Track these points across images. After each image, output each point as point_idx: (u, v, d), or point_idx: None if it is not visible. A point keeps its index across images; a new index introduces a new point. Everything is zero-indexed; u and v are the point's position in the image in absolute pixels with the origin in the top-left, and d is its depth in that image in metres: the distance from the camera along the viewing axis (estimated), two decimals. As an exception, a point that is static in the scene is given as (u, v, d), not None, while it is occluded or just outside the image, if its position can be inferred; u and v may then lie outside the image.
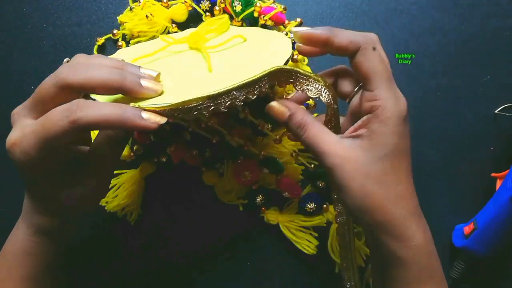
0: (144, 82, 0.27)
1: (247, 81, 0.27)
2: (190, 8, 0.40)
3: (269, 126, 0.38)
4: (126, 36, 0.40)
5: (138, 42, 0.40)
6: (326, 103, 0.30)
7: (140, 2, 0.39)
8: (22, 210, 0.31)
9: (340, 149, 0.28)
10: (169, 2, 0.39)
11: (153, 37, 0.40)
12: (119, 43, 0.40)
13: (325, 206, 0.40)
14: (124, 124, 0.25)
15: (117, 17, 0.39)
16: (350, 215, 0.35)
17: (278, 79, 0.29)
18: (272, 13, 0.38)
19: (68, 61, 0.30)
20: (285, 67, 0.29)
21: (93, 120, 0.25)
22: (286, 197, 0.40)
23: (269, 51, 0.33)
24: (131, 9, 0.39)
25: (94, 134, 0.37)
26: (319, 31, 0.29)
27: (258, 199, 0.41)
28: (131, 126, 0.26)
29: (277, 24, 0.39)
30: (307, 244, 0.40)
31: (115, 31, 0.40)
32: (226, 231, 0.42)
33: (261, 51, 0.33)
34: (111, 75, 0.26)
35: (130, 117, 0.26)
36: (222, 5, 0.39)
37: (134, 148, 0.40)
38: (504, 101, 0.41)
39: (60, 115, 0.25)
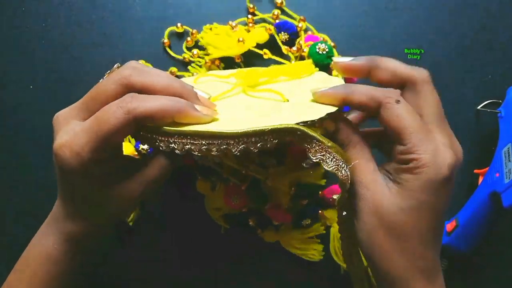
0: (200, 96, 0.28)
1: (247, 130, 0.25)
2: (270, 32, 0.40)
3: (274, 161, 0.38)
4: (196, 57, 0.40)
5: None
6: (342, 181, 0.26)
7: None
8: (49, 218, 0.30)
9: (372, 181, 0.26)
10: (250, 27, 0.40)
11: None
12: (171, 70, 0.40)
13: (320, 212, 0.40)
14: (178, 114, 0.25)
15: (200, 37, 0.40)
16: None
17: (286, 138, 0.26)
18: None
19: (118, 66, 0.29)
20: (296, 126, 0.25)
21: (149, 110, 0.25)
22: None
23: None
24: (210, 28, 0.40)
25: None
26: (362, 63, 0.29)
27: (250, 222, 0.40)
28: (185, 117, 0.25)
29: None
30: (312, 253, 0.40)
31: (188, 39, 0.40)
32: (225, 240, 0.42)
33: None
34: (173, 83, 0.26)
35: (185, 108, 0.25)
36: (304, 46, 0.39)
37: (140, 147, 0.40)
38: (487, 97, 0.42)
39: (115, 107, 0.25)
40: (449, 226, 0.41)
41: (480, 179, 0.41)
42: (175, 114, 0.25)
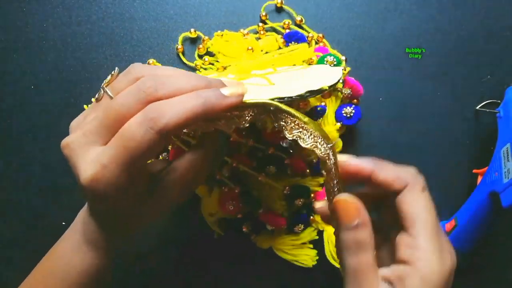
0: (225, 91, 0.24)
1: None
2: (280, 43, 0.40)
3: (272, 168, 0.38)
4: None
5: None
6: (322, 159, 0.25)
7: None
8: (76, 226, 0.30)
9: None
10: (260, 35, 0.40)
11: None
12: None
13: (312, 218, 0.40)
14: (212, 112, 0.23)
15: (210, 42, 0.40)
16: None
17: (262, 116, 0.25)
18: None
19: (118, 71, 0.26)
20: (268, 102, 0.24)
21: (180, 120, 0.22)
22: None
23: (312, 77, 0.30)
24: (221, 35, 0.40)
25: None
26: (364, 164, 0.26)
27: (244, 228, 0.39)
28: (219, 110, 0.23)
29: (354, 95, 0.39)
30: (304, 259, 0.40)
31: (201, 47, 0.40)
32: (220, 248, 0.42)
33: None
34: (199, 81, 0.24)
35: (215, 102, 0.23)
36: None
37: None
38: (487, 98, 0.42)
39: (143, 128, 0.22)
40: (448, 226, 0.41)
41: (479, 179, 0.41)
42: (208, 114, 0.23)
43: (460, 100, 0.42)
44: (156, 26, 0.41)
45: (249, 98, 0.24)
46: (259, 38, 0.40)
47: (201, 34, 0.41)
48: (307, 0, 0.41)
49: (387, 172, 0.26)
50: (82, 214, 0.30)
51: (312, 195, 0.40)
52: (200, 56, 0.41)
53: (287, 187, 0.39)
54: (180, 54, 0.41)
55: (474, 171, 0.41)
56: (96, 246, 0.28)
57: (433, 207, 0.25)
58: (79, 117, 0.27)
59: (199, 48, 0.40)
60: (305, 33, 0.40)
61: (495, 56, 0.42)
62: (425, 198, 0.25)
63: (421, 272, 0.23)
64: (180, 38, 0.41)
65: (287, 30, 0.41)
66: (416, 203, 0.25)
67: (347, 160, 0.26)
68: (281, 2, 0.41)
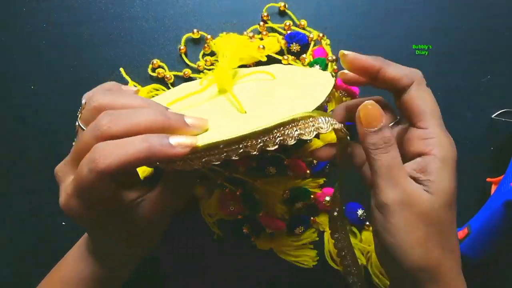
0: (189, 120, 0.25)
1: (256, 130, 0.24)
2: (281, 44, 0.40)
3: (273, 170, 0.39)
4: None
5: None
6: (340, 136, 0.28)
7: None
8: (82, 238, 0.33)
9: (410, 189, 0.26)
10: (263, 35, 0.40)
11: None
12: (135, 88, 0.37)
13: (312, 219, 0.41)
14: (154, 158, 0.23)
15: (212, 42, 0.40)
16: (389, 259, 0.29)
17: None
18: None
19: (84, 102, 0.28)
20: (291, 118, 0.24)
21: (121, 163, 0.23)
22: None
23: (303, 90, 0.30)
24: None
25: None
26: (373, 60, 0.29)
27: (244, 230, 0.40)
28: (162, 158, 0.23)
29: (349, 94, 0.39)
30: (304, 259, 0.40)
31: (205, 58, 0.40)
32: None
33: (294, 89, 0.30)
34: (156, 116, 0.24)
35: (160, 150, 0.23)
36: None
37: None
38: (502, 103, 0.41)
39: (86, 168, 0.23)
40: (461, 234, 0.40)
41: (493, 188, 0.40)
42: (150, 160, 0.23)
43: (475, 109, 0.42)
44: (156, 26, 0.40)
45: (206, 140, 0.24)
46: (262, 39, 0.40)
47: (204, 34, 0.40)
48: (309, 1, 0.41)
49: (395, 69, 0.28)
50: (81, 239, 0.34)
51: (312, 196, 0.40)
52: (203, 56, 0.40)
53: (286, 191, 0.39)
54: (183, 55, 0.40)
55: (488, 179, 0.41)
56: (95, 256, 0.31)
57: (435, 100, 0.28)
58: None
59: (204, 48, 0.40)
60: (307, 33, 0.40)
61: (495, 56, 0.41)
62: (430, 93, 0.28)
63: (439, 155, 0.26)
64: (183, 39, 0.40)
65: (288, 31, 0.40)
66: (424, 97, 0.28)
67: (356, 55, 0.29)
68: (284, 5, 0.40)
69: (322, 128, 0.26)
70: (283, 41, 0.40)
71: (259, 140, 0.24)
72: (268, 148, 0.24)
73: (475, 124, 0.42)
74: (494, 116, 0.41)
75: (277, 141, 0.24)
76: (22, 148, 0.41)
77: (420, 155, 0.27)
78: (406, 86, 0.28)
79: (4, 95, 0.41)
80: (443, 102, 0.40)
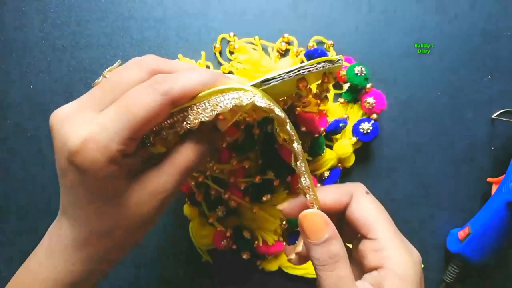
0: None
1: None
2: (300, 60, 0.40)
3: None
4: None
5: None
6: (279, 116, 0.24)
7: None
8: (54, 245, 0.25)
9: None
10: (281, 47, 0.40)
11: None
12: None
13: None
14: (211, 86, 0.23)
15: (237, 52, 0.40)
16: None
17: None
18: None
19: (121, 63, 0.25)
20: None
21: (187, 86, 0.22)
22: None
23: None
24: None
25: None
26: (299, 204, 0.27)
27: (245, 256, 0.38)
28: (217, 84, 0.23)
29: (377, 106, 0.38)
30: (313, 270, 0.39)
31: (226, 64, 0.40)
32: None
33: None
34: (208, 74, 0.23)
35: (220, 76, 0.23)
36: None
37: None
38: (502, 103, 0.41)
39: (148, 90, 0.21)
40: (462, 234, 0.40)
41: (494, 188, 0.40)
42: (211, 85, 0.22)
43: (474, 109, 0.41)
44: (156, 26, 0.40)
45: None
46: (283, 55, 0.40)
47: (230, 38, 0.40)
48: (309, 2, 0.40)
49: (332, 193, 0.26)
50: (50, 229, 0.26)
51: (289, 177, 0.38)
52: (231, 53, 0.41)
53: (284, 222, 0.38)
54: (217, 54, 0.40)
55: (488, 180, 0.41)
56: (66, 253, 0.24)
57: (381, 207, 0.26)
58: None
59: (230, 45, 0.40)
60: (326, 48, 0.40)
61: (495, 56, 0.41)
62: (372, 200, 0.26)
63: (395, 270, 0.23)
64: (219, 38, 0.40)
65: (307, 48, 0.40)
66: (366, 207, 0.25)
67: (286, 207, 0.27)
68: (332, 43, 0.40)
69: (241, 100, 0.23)
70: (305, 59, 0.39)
71: (206, 104, 0.23)
72: (202, 115, 0.23)
73: (475, 124, 0.41)
74: (495, 116, 0.41)
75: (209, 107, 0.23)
76: (22, 148, 0.41)
77: (376, 268, 0.24)
78: (348, 203, 0.26)
79: (3, 95, 0.41)
80: (444, 102, 0.41)
